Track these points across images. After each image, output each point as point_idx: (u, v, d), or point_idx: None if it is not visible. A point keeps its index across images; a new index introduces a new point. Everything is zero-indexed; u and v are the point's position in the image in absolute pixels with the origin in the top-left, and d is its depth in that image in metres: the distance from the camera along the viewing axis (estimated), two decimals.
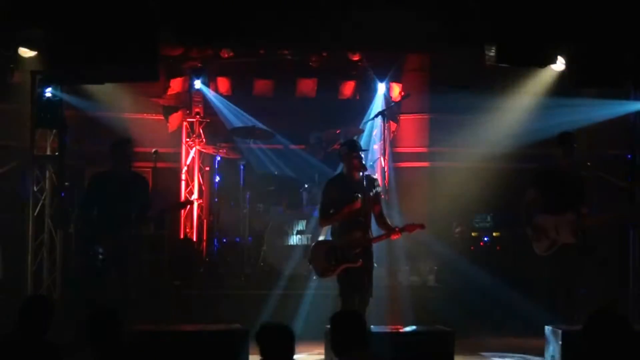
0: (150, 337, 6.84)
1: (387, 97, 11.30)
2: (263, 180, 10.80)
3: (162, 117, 11.50)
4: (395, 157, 11.27)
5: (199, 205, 11.62)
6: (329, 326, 4.94)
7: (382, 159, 10.63)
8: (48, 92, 8.68)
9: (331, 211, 7.75)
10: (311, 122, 11.46)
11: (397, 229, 7.69)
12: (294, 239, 10.24)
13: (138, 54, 8.16)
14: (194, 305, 9.36)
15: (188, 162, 11.68)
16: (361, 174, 7.69)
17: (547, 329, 7.41)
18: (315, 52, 11.37)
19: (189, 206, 11.13)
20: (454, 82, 10.68)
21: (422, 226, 7.73)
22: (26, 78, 8.70)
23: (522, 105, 10.52)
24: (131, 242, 8.10)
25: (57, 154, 8.91)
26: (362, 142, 10.23)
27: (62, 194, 8.85)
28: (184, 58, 11.39)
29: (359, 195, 7.54)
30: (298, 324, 8.34)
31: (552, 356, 7.25)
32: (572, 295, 8.09)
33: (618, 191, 9.67)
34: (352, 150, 7.75)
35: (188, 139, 11.67)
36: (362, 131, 11.08)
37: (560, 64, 8.77)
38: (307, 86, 11.79)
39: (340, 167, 8.30)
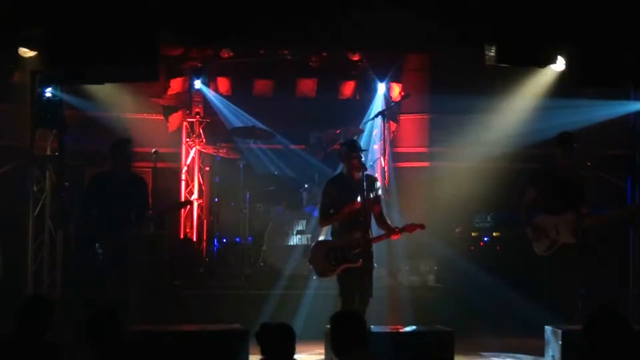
0: (150, 337, 6.86)
1: (387, 97, 11.29)
2: (263, 180, 10.80)
3: (162, 117, 11.49)
4: (395, 157, 11.25)
5: (199, 205, 11.61)
6: (329, 326, 4.94)
7: (382, 159, 10.62)
8: (48, 92, 8.68)
9: (331, 211, 7.76)
10: (311, 122, 11.43)
11: (397, 229, 7.70)
12: (294, 239, 10.24)
13: (138, 54, 8.16)
14: (194, 305, 9.36)
15: (188, 162, 11.67)
16: (361, 174, 7.68)
17: (547, 329, 7.41)
18: (315, 52, 11.35)
19: (188, 206, 11.12)
20: (454, 82, 10.67)
21: (422, 226, 7.73)
22: (26, 78, 8.70)
23: (522, 106, 10.49)
24: (131, 242, 8.11)
25: (57, 154, 8.92)
26: (362, 142, 10.24)
27: (62, 194, 8.85)
28: (184, 58, 11.38)
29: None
30: (298, 324, 8.35)
31: (552, 356, 7.25)
32: (572, 295, 8.10)
33: (618, 191, 9.66)
34: (352, 150, 7.75)
35: (188, 139, 11.67)
36: (362, 131, 11.07)
37: (560, 64, 8.77)
38: (307, 86, 11.77)
39: (340, 167, 8.31)
